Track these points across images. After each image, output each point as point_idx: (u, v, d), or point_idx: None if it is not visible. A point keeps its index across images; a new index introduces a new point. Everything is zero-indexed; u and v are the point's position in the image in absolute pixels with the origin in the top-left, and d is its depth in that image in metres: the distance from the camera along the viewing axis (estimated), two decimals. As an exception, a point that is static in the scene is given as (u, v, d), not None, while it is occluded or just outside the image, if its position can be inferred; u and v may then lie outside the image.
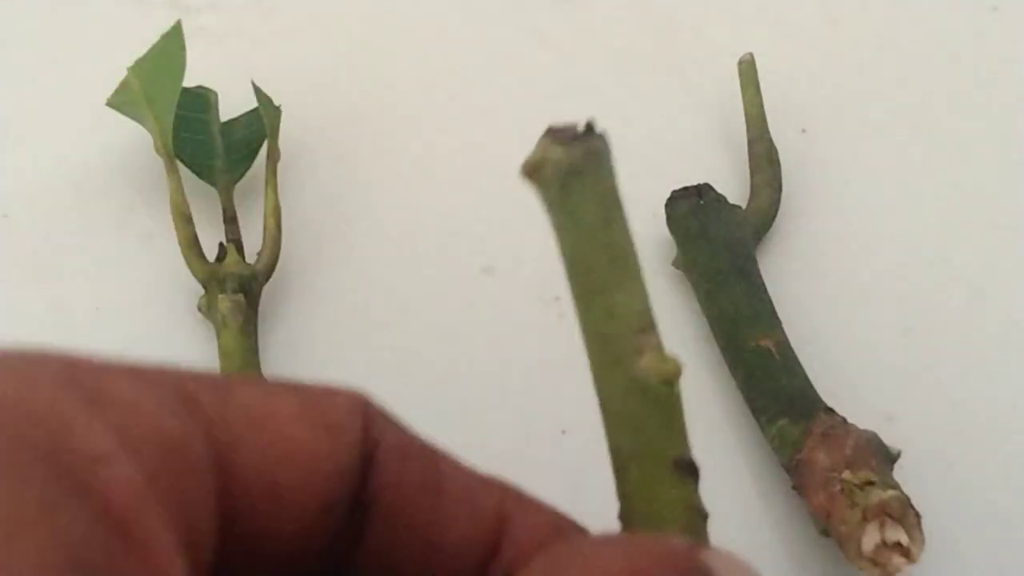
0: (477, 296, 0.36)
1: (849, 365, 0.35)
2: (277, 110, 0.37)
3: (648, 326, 0.19)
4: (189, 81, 0.36)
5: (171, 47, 0.36)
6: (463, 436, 0.34)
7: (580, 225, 0.20)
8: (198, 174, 0.37)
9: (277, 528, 0.18)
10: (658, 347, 0.19)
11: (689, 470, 0.19)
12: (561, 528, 0.21)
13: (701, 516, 0.20)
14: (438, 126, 0.41)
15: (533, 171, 0.20)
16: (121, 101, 0.37)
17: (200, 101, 0.38)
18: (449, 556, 0.20)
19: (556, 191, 0.20)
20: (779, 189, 0.38)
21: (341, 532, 0.19)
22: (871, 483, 0.29)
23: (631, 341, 0.19)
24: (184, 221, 0.35)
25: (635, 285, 0.20)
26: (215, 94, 0.39)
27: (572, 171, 0.20)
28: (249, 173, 0.38)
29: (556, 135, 0.20)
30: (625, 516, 0.20)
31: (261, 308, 0.36)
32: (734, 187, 0.39)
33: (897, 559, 0.28)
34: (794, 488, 0.31)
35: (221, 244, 0.36)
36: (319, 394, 0.20)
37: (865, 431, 0.31)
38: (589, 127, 0.20)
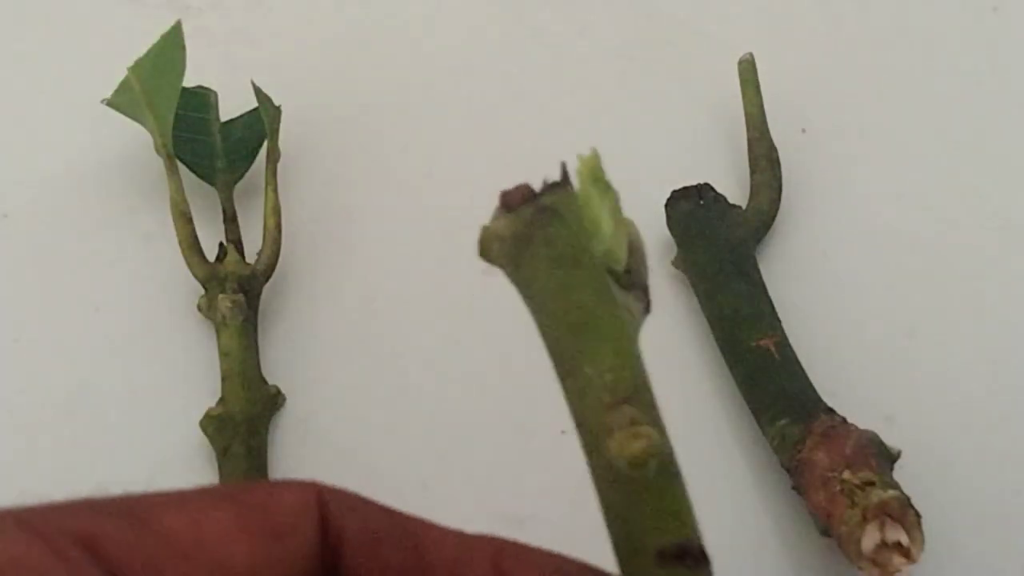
0: (478, 296, 0.36)
1: (849, 365, 0.35)
2: (277, 110, 0.37)
3: (620, 400, 0.17)
4: (189, 81, 0.36)
5: (171, 47, 0.36)
6: (462, 436, 0.34)
7: (536, 297, 0.18)
8: (198, 174, 0.37)
9: None
10: (631, 423, 0.17)
11: (681, 559, 0.17)
12: (566, 574, 0.19)
13: None
14: (438, 126, 0.41)
15: (485, 250, 0.18)
16: (121, 101, 0.37)
17: (200, 101, 0.38)
18: None
19: (509, 266, 0.18)
20: (779, 189, 0.38)
21: None
22: (871, 483, 0.29)
23: (601, 421, 0.17)
24: (184, 221, 0.35)
25: (604, 352, 0.17)
26: (215, 94, 0.39)
27: (518, 242, 0.18)
28: (249, 173, 0.38)
29: (505, 201, 0.18)
30: None
31: (261, 308, 0.36)
32: (734, 187, 0.39)
33: (897, 559, 0.28)
34: (794, 488, 0.31)
35: (221, 244, 0.36)
36: (260, 498, 0.18)
37: (865, 431, 0.31)
38: (564, 176, 0.18)
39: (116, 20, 0.44)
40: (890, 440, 0.31)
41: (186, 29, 0.36)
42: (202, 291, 0.35)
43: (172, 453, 0.34)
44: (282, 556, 0.17)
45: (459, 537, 0.19)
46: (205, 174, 0.37)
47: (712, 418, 0.34)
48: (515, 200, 0.18)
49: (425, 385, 0.35)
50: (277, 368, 0.35)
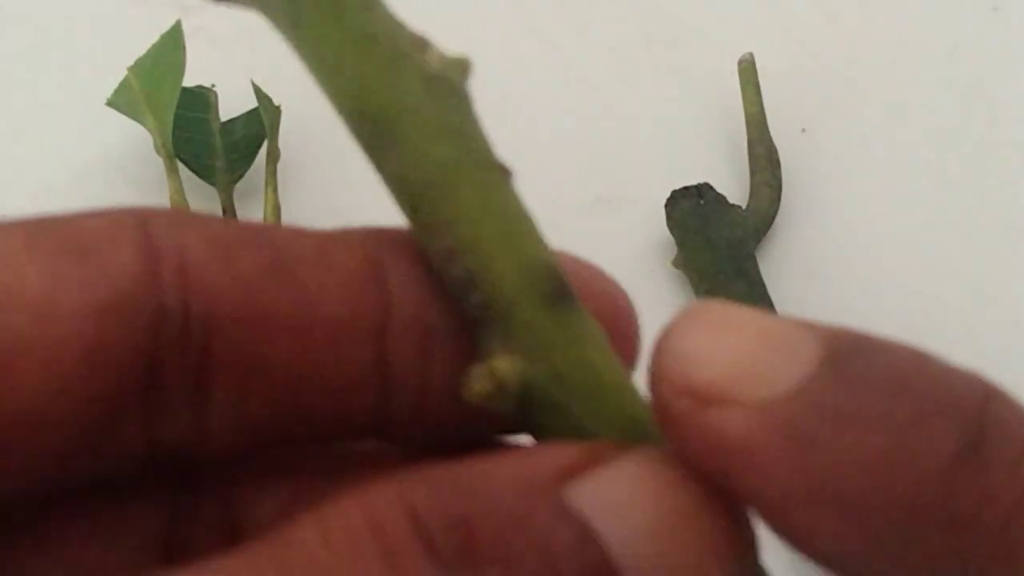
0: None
1: (849, 365, 0.35)
2: (277, 110, 0.37)
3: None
4: (189, 81, 0.36)
5: (171, 47, 0.36)
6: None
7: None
8: (198, 174, 0.37)
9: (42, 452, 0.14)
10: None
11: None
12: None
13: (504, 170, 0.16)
14: (438, 126, 0.41)
15: None
16: (121, 101, 0.37)
17: (200, 101, 0.38)
18: (329, 361, 0.15)
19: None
20: (779, 189, 0.38)
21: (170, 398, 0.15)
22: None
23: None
24: (184, 221, 0.35)
25: None
26: (215, 94, 0.39)
27: None
28: (249, 173, 0.38)
29: None
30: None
31: (261, 308, 0.36)
32: (734, 187, 0.39)
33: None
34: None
35: (221, 244, 0.36)
36: (58, 221, 0.15)
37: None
38: None
39: (116, 20, 0.44)
40: (890, 440, 0.31)
41: (186, 29, 0.36)
42: (202, 291, 0.35)
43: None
44: (90, 278, 0.14)
45: (322, 232, 0.16)
46: (205, 174, 0.37)
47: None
48: None
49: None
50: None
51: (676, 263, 0.37)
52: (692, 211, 0.36)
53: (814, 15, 0.45)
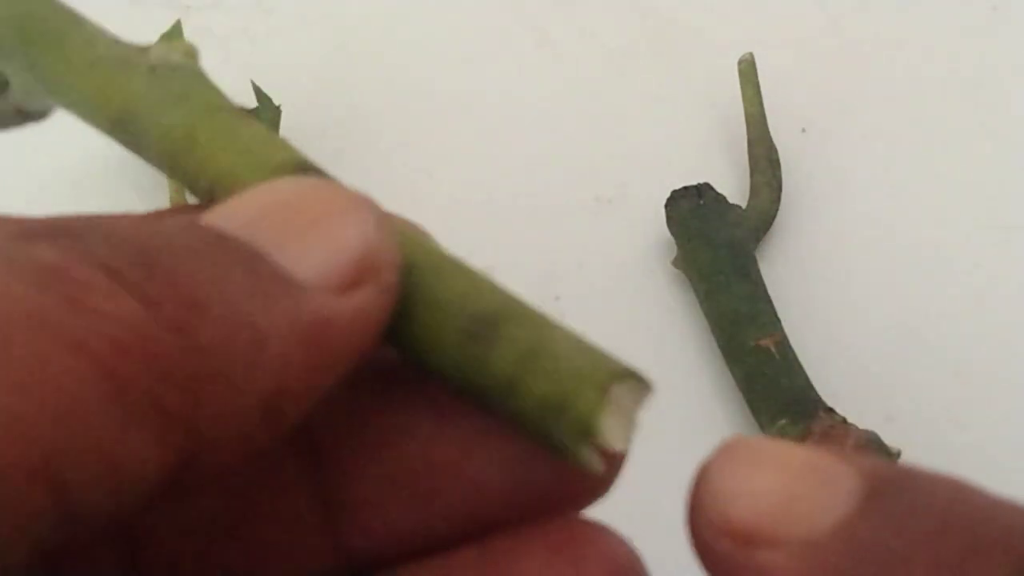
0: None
1: (849, 365, 0.35)
2: (277, 110, 0.37)
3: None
4: (189, 81, 0.36)
5: (171, 47, 0.36)
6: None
7: None
8: (198, 174, 0.37)
9: None
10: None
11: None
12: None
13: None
14: (437, 127, 0.41)
15: None
16: (121, 101, 0.37)
17: (200, 101, 0.38)
18: None
19: None
20: (779, 189, 0.38)
21: None
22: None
23: None
24: (184, 221, 0.35)
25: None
26: (215, 94, 0.39)
27: None
28: (249, 173, 0.38)
29: None
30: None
31: (261, 308, 0.36)
32: (734, 187, 0.39)
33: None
34: (794, 488, 0.31)
35: (221, 244, 0.36)
36: None
37: (865, 431, 0.31)
38: None
39: (116, 20, 0.44)
40: (890, 440, 0.31)
41: (186, 29, 0.36)
42: (202, 291, 0.35)
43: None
44: None
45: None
46: (205, 174, 0.37)
47: (712, 418, 0.34)
48: None
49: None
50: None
51: (676, 263, 0.37)
52: (692, 211, 0.36)
53: (814, 15, 0.45)
